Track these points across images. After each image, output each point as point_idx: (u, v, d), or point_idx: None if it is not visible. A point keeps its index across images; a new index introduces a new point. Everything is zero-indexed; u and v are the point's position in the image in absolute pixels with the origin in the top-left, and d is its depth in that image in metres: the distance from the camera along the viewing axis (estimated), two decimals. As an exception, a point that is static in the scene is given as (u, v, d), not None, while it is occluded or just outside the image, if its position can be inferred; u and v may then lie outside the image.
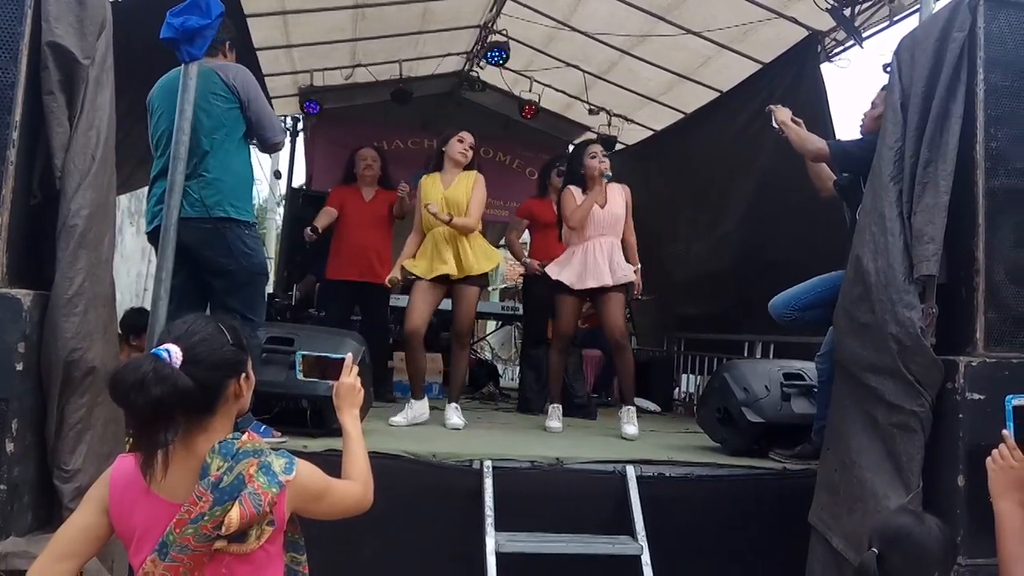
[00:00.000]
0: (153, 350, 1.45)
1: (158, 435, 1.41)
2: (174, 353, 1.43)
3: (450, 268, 3.91)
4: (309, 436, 3.07)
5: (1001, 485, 1.75)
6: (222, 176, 3.03)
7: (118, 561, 2.25)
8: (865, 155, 3.10)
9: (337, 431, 3.08)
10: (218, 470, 1.44)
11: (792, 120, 3.39)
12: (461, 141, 4.08)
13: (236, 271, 3.04)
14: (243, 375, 1.56)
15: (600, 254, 3.99)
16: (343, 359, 1.87)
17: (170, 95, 3.02)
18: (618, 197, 4.14)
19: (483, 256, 4.00)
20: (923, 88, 2.73)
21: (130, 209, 9.26)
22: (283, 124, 8.45)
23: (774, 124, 3.40)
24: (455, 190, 4.02)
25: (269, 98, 3.56)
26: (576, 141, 8.54)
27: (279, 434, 2.99)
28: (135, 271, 9.84)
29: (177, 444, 1.49)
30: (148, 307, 3.14)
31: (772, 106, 3.50)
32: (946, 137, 2.64)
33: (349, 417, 1.80)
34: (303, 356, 1.97)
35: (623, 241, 4.13)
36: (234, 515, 1.40)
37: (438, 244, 3.96)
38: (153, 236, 3.11)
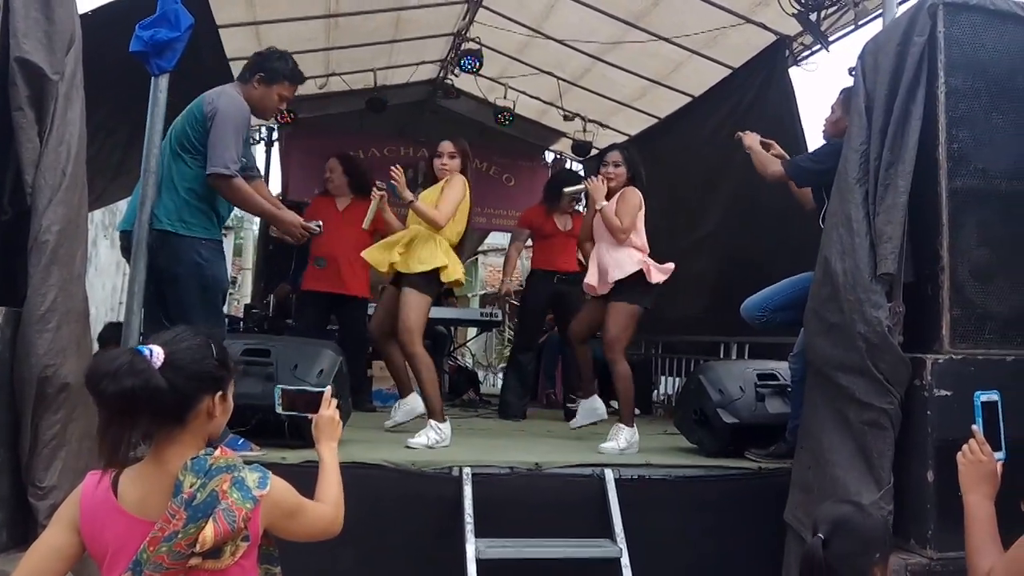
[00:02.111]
0: (136, 346, 1.45)
1: (123, 433, 1.40)
2: (156, 352, 1.43)
3: (393, 258, 3.72)
4: (287, 448, 3.06)
5: (971, 479, 1.79)
6: (180, 192, 3.05)
7: (94, 578, 2.24)
8: (817, 167, 3.19)
9: (314, 443, 3.12)
10: (191, 487, 1.43)
11: (762, 142, 3.48)
12: (439, 156, 3.91)
13: (186, 280, 3.02)
14: (220, 394, 1.54)
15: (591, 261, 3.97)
16: (322, 392, 1.89)
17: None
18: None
19: (425, 258, 3.67)
20: (886, 91, 2.80)
21: (104, 223, 9.18)
22: (259, 135, 8.43)
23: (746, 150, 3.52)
24: (430, 193, 3.87)
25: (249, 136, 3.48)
26: (552, 147, 8.63)
27: (257, 447, 2.98)
28: (110, 284, 9.75)
29: (147, 459, 1.49)
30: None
31: (740, 133, 3.60)
32: (907, 139, 2.71)
33: (327, 449, 1.82)
34: (283, 390, 1.98)
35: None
36: (208, 533, 1.40)
37: (400, 239, 3.77)
38: (123, 236, 3.16)
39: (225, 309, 3.84)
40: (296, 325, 5.12)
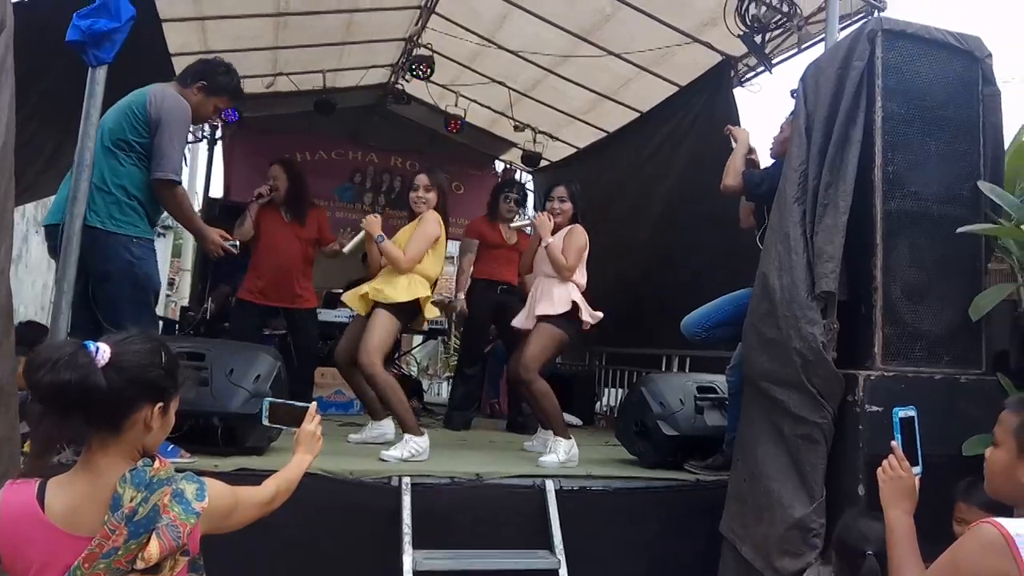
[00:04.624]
0: (84, 341, 1.41)
1: (53, 432, 1.37)
2: (102, 350, 1.39)
3: (356, 298, 3.73)
4: (220, 455, 2.97)
5: (891, 495, 1.83)
6: (111, 189, 2.98)
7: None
8: (762, 184, 3.24)
9: (249, 450, 3.05)
10: (131, 501, 1.38)
11: (748, 155, 3.48)
12: (414, 189, 3.82)
13: (116, 277, 2.96)
14: (160, 405, 1.49)
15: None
16: (307, 407, 1.96)
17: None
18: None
19: (403, 288, 3.63)
20: (826, 114, 2.87)
21: (36, 218, 8.82)
22: (201, 133, 8.22)
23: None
24: (405, 232, 3.80)
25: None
26: (502, 156, 8.65)
27: (187, 454, 2.90)
28: (40, 282, 9.37)
29: (78, 468, 1.43)
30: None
31: (731, 127, 3.65)
32: (846, 160, 2.77)
33: (302, 459, 1.89)
34: (270, 403, 2.00)
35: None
36: (153, 549, 1.36)
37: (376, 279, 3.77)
38: (48, 233, 3.08)
39: (161, 311, 3.73)
40: (232, 330, 4.95)
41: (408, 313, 3.68)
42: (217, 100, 3.33)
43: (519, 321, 3.99)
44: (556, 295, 3.77)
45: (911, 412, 1.90)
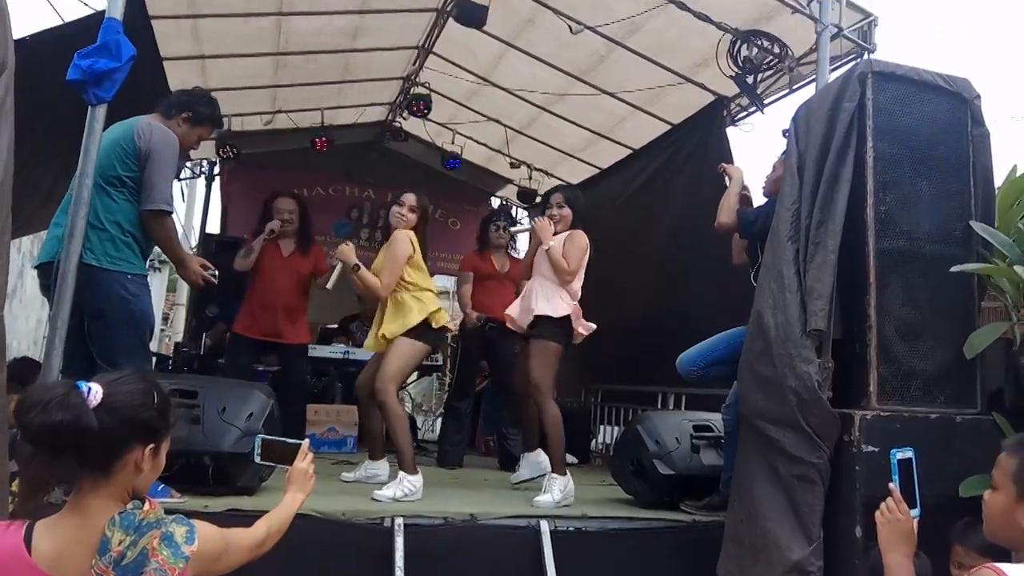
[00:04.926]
0: (76, 381, 1.40)
1: (43, 474, 1.35)
2: (94, 390, 1.39)
3: (375, 341, 3.75)
4: (210, 495, 2.93)
5: (889, 538, 1.81)
6: (105, 226, 2.99)
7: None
8: (756, 222, 3.26)
9: (240, 490, 3.01)
10: (120, 544, 1.36)
11: (742, 192, 3.51)
12: (400, 204, 3.83)
13: (111, 315, 2.95)
14: (151, 446, 1.47)
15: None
16: (299, 445, 1.95)
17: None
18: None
19: (413, 316, 3.65)
20: (817, 153, 2.90)
21: (32, 252, 8.81)
22: (199, 168, 8.27)
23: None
24: (380, 257, 3.82)
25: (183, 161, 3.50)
26: (498, 192, 8.70)
27: (178, 494, 2.86)
28: (34, 317, 9.33)
29: (66, 510, 1.41)
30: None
31: (725, 165, 3.68)
32: (836, 199, 2.80)
33: (294, 497, 1.88)
34: (263, 440, 1.99)
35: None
36: None
37: (379, 311, 3.78)
38: (41, 271, 3.06)
39: (156, 346, 3.72)
40: (226, 365, 4.92)
41: (429, 331, 3.69)
42: (201, 130, 3.37)
43: (513, 310, 3.93)
44: (557, 298, 3.76)
45: (908, 453, 1.89)
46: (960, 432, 2.73)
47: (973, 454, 2.55)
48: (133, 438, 1.44)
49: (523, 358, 3.90)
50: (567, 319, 3.73)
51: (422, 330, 3.65)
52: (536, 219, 3.99)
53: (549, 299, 3.76)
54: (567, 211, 3.96)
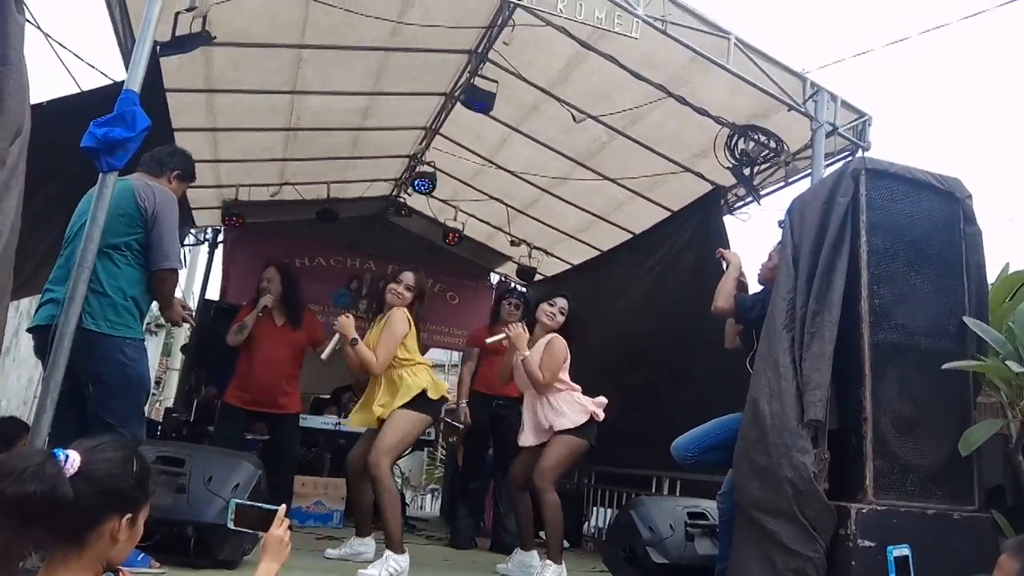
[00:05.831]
0: (53, 449, 1.36)
1: (13, 545, 1.30)
2: (71, 459, 1.35)
3: (368, 418, 3.73)
4: (191, 567, 2.86)
5: None
6: (107, 291, 2.99)
7: None
8: (753, 309, 3.29)
9: (221, 563, 2.93)
10: None
11: (739, 277, 3.53)
12: (398, 282, 3.82)
13: (109, 380, 2.93)
14: (128, 516, 1.43)
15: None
16: (275, 511, 1.88)
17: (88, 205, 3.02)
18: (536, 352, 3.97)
19: (408, 389, 3.64)
20: (811, 245, 2.95)
21: (29, 312, 8.80)
22: (204, 236, 8.35)
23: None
24: (375, 332, 3.81)
25: (188, 226, 3.57)
26: (497, 269, 8.78)
27: (158, 565, 2.78)
28: (26, 376, 9.25)
29: None
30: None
31: (723, 251, 3.76)
32: (832, 290, 2.83)
33: (267, 569, 1.79)
34: (237, 505, 1.93)
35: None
36: None
37: (372, 394, 3.77)
38: (36, 334, 3.04)
39: (146, 410, 3.67)
40: (215, 433, 4.84)
41: (428, 402, 3.66)
42: (185, 187, 3.46)
43: (526, 440, 3.92)
44: (568, 408, 3.78)
45: (905, 551, 1.87)
46: (958, 529, 2.67)
47: (971, 552, 2.49)
48: (110, 508, 1.40)
49: (531, 460, 3.85)
50: (591, 417, 3.78)
51: (420, 401, 3.62)
52: (512, 327, 3.99)
53: (561, 414, 3.79)
54: (563, 320, 4.02)
